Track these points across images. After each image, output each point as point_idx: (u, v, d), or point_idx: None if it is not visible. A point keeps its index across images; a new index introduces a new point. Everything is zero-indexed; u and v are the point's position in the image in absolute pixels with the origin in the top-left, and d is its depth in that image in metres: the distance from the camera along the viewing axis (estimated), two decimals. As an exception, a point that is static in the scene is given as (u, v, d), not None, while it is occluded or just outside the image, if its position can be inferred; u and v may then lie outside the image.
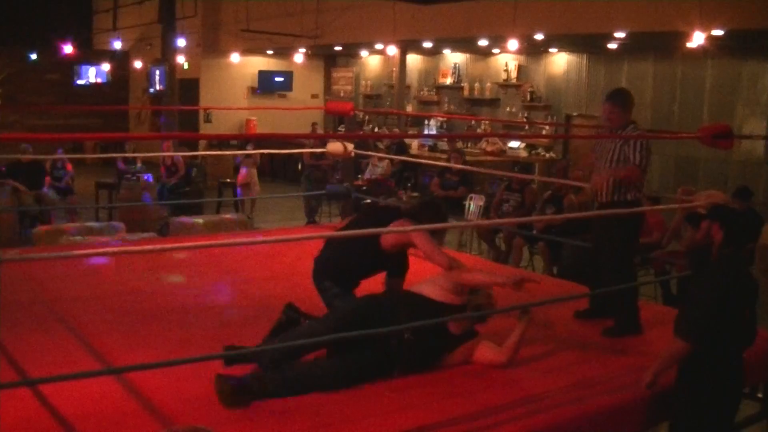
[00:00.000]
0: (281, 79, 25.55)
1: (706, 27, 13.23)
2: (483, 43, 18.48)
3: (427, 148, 20.68)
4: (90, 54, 27.53)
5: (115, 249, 5.59)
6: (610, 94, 6.47)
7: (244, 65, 24.82)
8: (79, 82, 27.43)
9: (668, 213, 10.75)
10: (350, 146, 10.12)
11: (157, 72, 23.85)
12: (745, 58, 16.40)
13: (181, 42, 22.11)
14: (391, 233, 5.57)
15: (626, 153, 6.14)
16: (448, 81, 22.76)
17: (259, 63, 25.36)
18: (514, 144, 19.96)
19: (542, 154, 19.76)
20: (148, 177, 15.02)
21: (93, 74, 27.58)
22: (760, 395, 6.15)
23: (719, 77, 16.85)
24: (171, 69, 21.35)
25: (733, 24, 13.23)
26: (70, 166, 15.07)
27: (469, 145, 20.18)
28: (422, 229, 5.47)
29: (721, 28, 13.31)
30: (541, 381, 5.10)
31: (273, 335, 5.16)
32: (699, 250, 4.93)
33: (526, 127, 20.20)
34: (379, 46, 20.77)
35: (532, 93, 20.41)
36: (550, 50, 19.85)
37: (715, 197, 5.08)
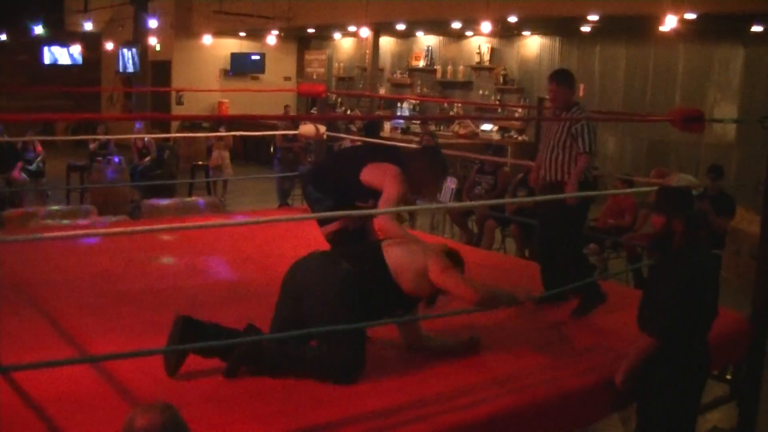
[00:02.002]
0: (254, 60, 25.45)
1: (678, 10, 13.28)
2: (456, 25, 18.49)
3: (399, 131, 20.67)
4: (61, 35, 27.33)
5: (87, 231, 5.57)
6: (554, 73, 6.52)
7: (217, 47, 24.71)
8: (50, 63, 27.20)
9: (641, 196, 10.79)
10: (322, 128, 10.10)
11: (129, 53, 23.72)
12: (717, 42, 16.49)
13: (153, 23, 22.01)
14: (371, 172, 5.47)
15: (573, 136, 6.20)
16: (421, 63, 22.76)
17: (231, 45, 25.26)
18: (486, 127, 19.99)
19: (515, 137, 19.80)
20: (117, 159, 14.92)
21: (64, 55, 27.34)
22: (728, 377, 6.20)
23: (691, 61, 16.94)
24: (143, 50, 21.24)
25: (706, 8, 13.30)
26: (40, 148, 14.96)
27: (441, 127, 20.19)
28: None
29: (694, 12, 13.37)
30: (511, 363, 5.11)
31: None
32: (659, 237, 4.89)
33: (499, 110, 20.23)
34: (351, 29, 20.73)
35: (504, 76, 20.44)
36: (523, 33, 19.88)
37: (684, 181, 5.05)
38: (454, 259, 4.94)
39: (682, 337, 4.65)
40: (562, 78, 6.45)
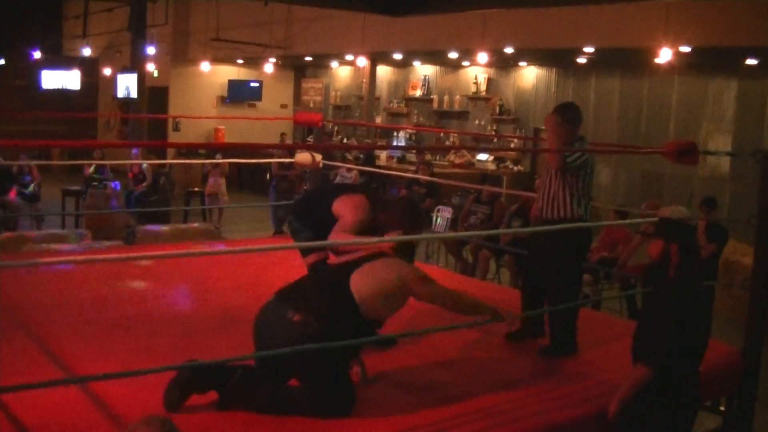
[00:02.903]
0: (252, 87, 25.51)
1: (673, 44, 13.38)
2: (453, 55, 18.56)
3: (395, 160, 20.71)
4: (59, 60, 27.40)
5: (81, 257, 5.57)
6: (559, 107, 6.24)
7: (214, 74, 24.79)
8: (47, 88, 27.24)
9: (634, 227, 10.81)
10: (318, 157, 10.11)
11: (126, 79, 23.75)
12: (711, 75, 16.58)
13: (150, 50, 22.05)
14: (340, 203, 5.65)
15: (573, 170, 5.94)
16: (418, 93, 22.83)
17: (229, 72, 25.33)
18: (482, 157, 20.04)
19: (510, 167, 19.86)
20: (116, 185, 14.95)
21: (61, 80, 27.38)
22: (722, 408, 6.20)
23: (685, 93, 17.02)
24: (140, 77, 21.26)
25: (700, 41, 13.38)
26: (36, 173, 14.98)
27: (438, 157, 20.23)
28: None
29: (688, 45, 13.46)
30: (501, 394, 5.11)
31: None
32: (655, 267, 4.87)
33: (495, 140, 20.29)
34: (349, 57, 20.83)
35: (501, 106, 20.52)
36: (520, 64, 19.97)
37: (678, 213, 5.04)
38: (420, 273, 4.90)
39: (675, 369, 4.65)
40: (567, 112, 6.16)
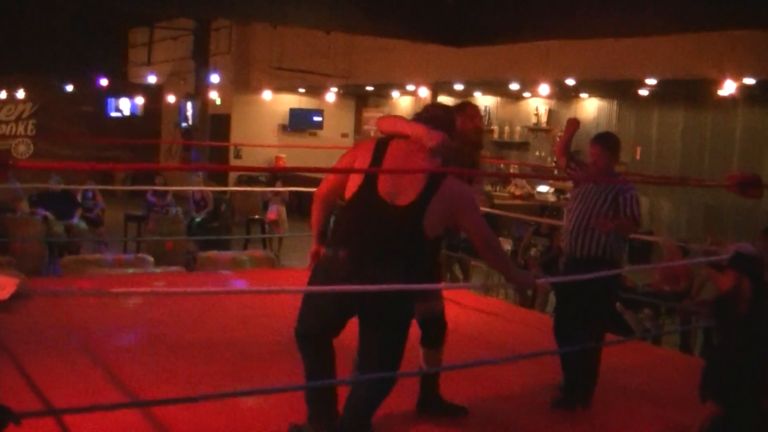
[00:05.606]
0: (312, 117, 25.65)
1: (737, 76, 13.23)
2: (514, 86, 18.52)
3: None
4: (124, 87, 27.84)
5: (144, 291, 5.63)
6: (598, 136, 6.19)
7: (276, 102, 24.97)
8: (112, 114, 27.68)
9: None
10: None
11: (189, 106, 24.08)
12: (775, 108, 16.37)
13: (213, 78, 22.33)
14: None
15: (618, 206, 5.71)
16: (479, 123, 22.75)
17: (290, 101, 25.49)
18: (542, 188, 19.93)
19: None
20: (175, 210, 15.11)
21: (126, 107, 27.81)
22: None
23: (750, 126, 16.80)
24: (203, 104, 21.52)
25: (765, 73, 13.22)
26: (100, 197, 15.18)
27: (498, 188, 20.16)
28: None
29: (753, 78, 13.31)
30: (560, 428, 5.07)
31: None
32: (724, 300, 4.79)
33: (555, 171, 20.18)
34: (410, 88, 20.86)
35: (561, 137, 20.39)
36: (581, 95, 19.87)
37: (743, 249, 4.95)
38: None
39: (748, 405, 4.58)
40: (606, 141, 6.13)
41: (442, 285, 4.91)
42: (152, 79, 26.41)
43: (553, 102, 20.73)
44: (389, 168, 4.53)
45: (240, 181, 23.06)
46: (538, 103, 20.94)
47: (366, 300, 4.30)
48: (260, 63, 23.76)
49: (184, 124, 24.50)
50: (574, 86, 17.27)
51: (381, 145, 4.61)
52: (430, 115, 4.83)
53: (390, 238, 4.37)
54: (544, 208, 15.84)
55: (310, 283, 4.61)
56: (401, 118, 5.00)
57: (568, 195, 19.44)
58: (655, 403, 5.77)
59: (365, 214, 4.46)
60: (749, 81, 13.45)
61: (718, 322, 5.05)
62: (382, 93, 24.89)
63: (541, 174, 19.55)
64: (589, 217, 5.75)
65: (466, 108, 5.54)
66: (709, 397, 4.65)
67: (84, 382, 5.27)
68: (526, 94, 20.72)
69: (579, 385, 5.66)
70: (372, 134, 24.45)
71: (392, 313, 4.37)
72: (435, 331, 5.26)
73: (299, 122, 25.46)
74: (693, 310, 9.77)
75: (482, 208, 12.48)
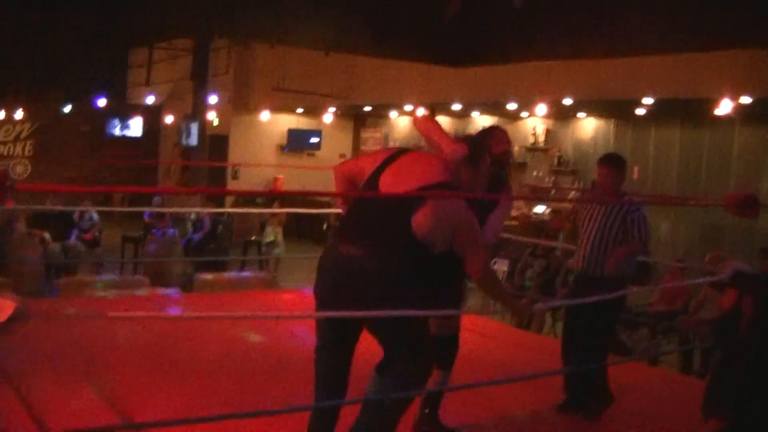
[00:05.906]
0: (310, 137, 25.67)
1: (734, 95, 13.26)
2: (512, 106, 18.56)
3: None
4: (123, 107, 27.87)
5: (144, 315, 5.63)
6: (606, 157, 6.25)
7: (274, 123, 25.00)
8: (111, 134, 27.70)
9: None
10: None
11: (188, 127, 24.08)
12: (773, 126, 16.39)
13: (212, 99, 22.35)
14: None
15: (628, 225, 5.86)
16: (476, 143, 22.77)
17: (288, 121, 25.51)
18: (539, 209, 19.93)
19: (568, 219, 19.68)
20: (172, 231, 15.10)
21: (125, 127, 27.83)
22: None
23: (747, 145, 16.82)
24: (201, 125, 21.53)
25: (762, 92, 13.25)
26: (97, 218, 15.18)
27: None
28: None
29: (750, 96, 13.34)
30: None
31: None
32: (726, 319, 4.80)
33: (552, 191, 20.18)
34: (408, 108, 20.90)
35: (559, 157, 20.42)
36: (579, 115, 19.90)
37: (740, 267, 4.95)
38: None
39: (752, 423, 4.57)
40: (613, 162, 6.16)
41: (438, 312, 4.87)
42: (151, 100, 26.44)
43: (550, 122, 20.76)
44: (395, 171, 4.64)
45: (237, 203, 23.06)
46: (535, 123, 20.96)
47: (359, 289, 4.38)
48: (259, 83, 23.81)
49: (182, 144, 24.38)
50: (571, 106, 17.30)
51: (397, 153, 4.75)
52: (465, 135, 5.01)
53: (379, 227, 4.47)
54: (540, 229, 15.80)
55: (317, 276, 4.78)
56: (437, 122, 5.16)
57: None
58: (655, 421, 5.76)
59: (363, 206, 4.63)
60: (746, 100, 13.48)
61: (720, 340, 5.05)
62: (380, 113, 24.92)
63: (554, 196, 19.57)
64: (600, 239, 5.94)
65: (495, 132, 5.57)
66: (711, 415, 4.65)
67: (80, 404, 5.26)
68: (524, 114, 20.74)
69: (596, 392, 5.85)
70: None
71: (387, 297, 4.30)
72: (446, 352, 5.24)
73: (297, 143, 25.48)
74: (691, 329, 9.76)
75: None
